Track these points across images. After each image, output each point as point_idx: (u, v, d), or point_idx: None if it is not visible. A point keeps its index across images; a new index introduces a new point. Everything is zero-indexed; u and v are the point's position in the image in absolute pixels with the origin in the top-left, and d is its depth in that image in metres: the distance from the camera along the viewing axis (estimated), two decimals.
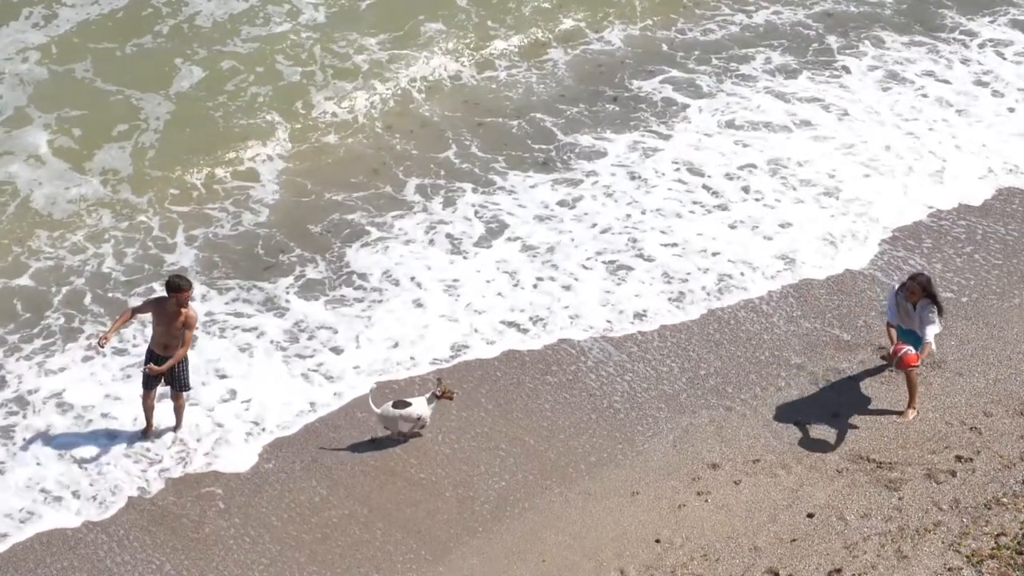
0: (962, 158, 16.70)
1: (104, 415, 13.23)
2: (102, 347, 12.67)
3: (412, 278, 15.03)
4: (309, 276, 15.06)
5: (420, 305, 14.63)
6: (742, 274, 14.93)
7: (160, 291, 14.66)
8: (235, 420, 13.20)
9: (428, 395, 12.82)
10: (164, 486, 12.51)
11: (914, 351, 12.58)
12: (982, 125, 17.33)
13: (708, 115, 17.70)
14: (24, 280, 14.95)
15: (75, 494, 12.43)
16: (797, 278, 14.84)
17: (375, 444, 12.83)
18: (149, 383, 12.64)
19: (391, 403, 12.79)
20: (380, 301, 14.71)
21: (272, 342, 14.12)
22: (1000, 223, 15.56)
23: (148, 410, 12.83)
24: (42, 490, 12.48)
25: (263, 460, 12.77)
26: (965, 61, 18.72)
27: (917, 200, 16.01)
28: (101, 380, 13.66)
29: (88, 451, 12.85)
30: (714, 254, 15.24)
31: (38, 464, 12.73)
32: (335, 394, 13.48)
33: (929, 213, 15.77)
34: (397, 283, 14.98)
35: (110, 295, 14.78)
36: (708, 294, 14.67)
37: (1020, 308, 14.22)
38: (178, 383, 12.69)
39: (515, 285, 14.90)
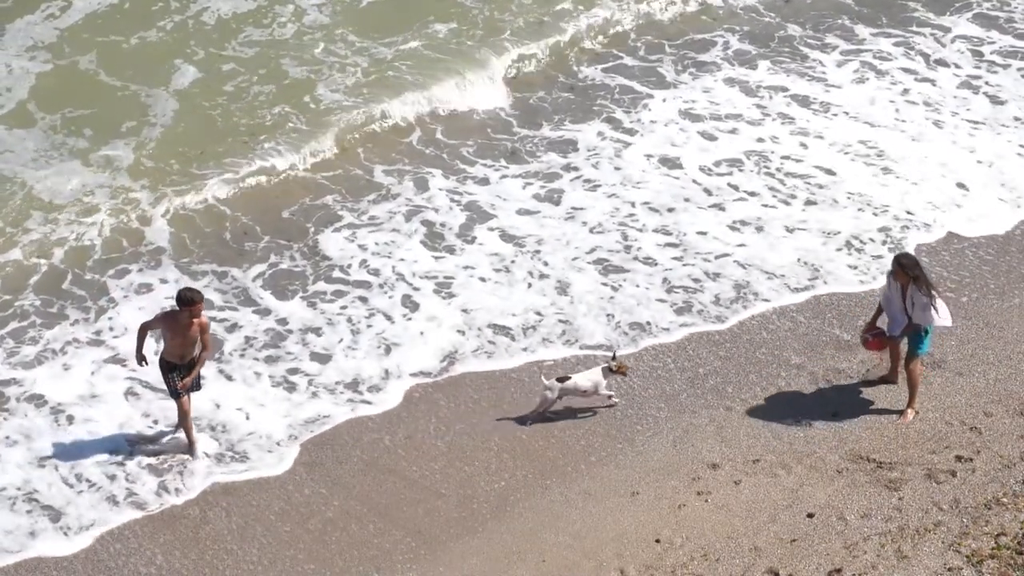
0: (966, 161, 16.69)
1: (85, 417, 13.19)
2: (143, 365, 12.72)
3: (393, 268, 14.97)
4: (284, 266, 15.05)
5: (408, 305, 14.57)
6: (753, 281, 14.78)
7: (136, 271, 14.73)
8: (234, 421, 13.17)
9: (602, 367, 12.99)
10: (164, 486, 12.47)
11: (876, 339, 12.60)
12: (981, 131, 17.28)
13: (672, 104, 17.59)
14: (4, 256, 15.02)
15: (74, 505, 12.30)
16: (827, 291, 14.56)
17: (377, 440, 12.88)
18: (179, 391, 12.59)
19: (556, 378, 13.00)
20: (364, 299, 14.66)
21: (255, 341, 14.10)
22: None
23: (186, 417, 12.77)
24: (35, 500, 12.35)
25: (262, 460, 12.75)
26: (942, 61, 18.66)
27: (924, 203, 15.94)
28: (79, 374, 13.61)
29: (81, 455, 12.76)
30: (719, 257, 15.16)
31: (21, 470, 12.61)
32: (331, 397, 13.47)
33: (934, 215, 15.75)
34: (377, 273, 14.94)
35: (87, 276, 14.84)
36: (723, 306, 14.47)
37: (1020, 308, 14.21)
38: (191, 384, 12.71)
39: (508, 286, 14.83)
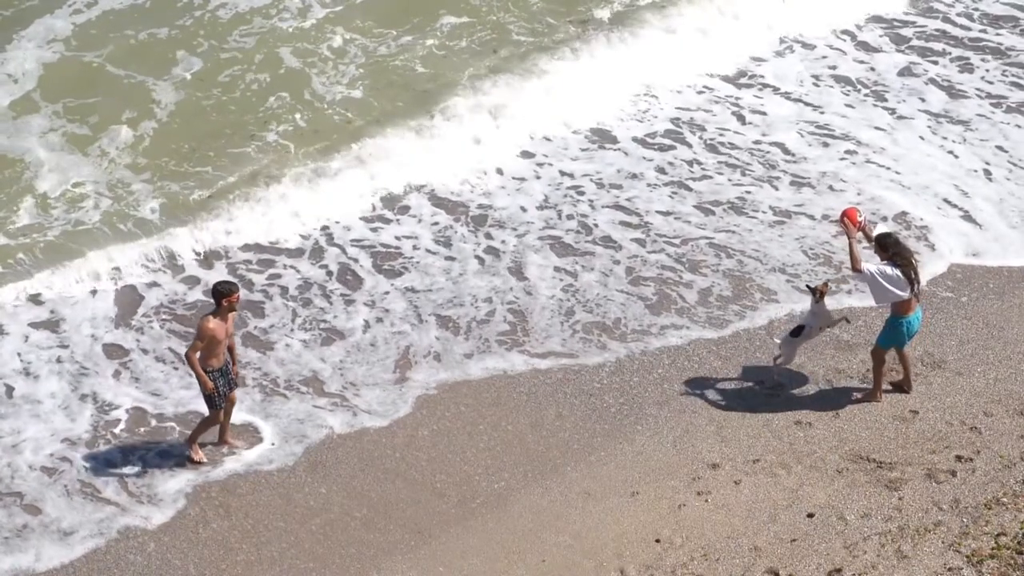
0: (950, 162, 16.59)
1: (23, 393, 13.21)
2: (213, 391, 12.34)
3: (328, 233, 14.86)
4: (213, 223, 15.20)
5: (345, 280, 14.46)
6: (755, 275, 14.65)
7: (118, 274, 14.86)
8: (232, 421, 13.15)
9: (812, 299, 13.02)
10: (164, 487, 12.46)
11: (855, 209, 12.56)
12: (944, 126, 17.13)
13: (566, 65, 17.27)
14: None
15: (52, 503, 12.23)
16: (862, 304, 14.03)
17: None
18: (225, 395, 12.46)
19: (789, 333, 13.16)
20: (302, 275, 14.61)
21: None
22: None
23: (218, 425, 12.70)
24: (23, 502, 12.29)
25: (262, 459, 12.73)
26: (867, 44, 18.32)
27: (924, 205, 15.77)
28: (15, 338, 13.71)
29: (39, 440, 12.75)
30: (687, 242, 14.93)
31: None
32: (327, 399, 13.45)
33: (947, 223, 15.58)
34: (307, 238, 14.89)
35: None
36: (715, 306, 14.33)
37: (1020, 308, 14.20)
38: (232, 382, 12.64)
39: (457, 265, 14.68)
